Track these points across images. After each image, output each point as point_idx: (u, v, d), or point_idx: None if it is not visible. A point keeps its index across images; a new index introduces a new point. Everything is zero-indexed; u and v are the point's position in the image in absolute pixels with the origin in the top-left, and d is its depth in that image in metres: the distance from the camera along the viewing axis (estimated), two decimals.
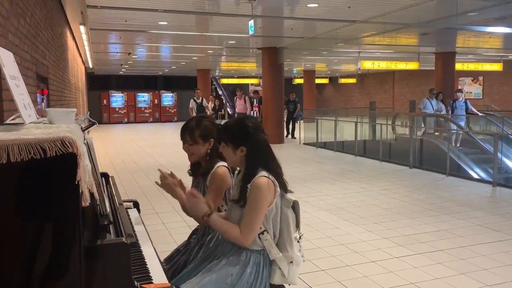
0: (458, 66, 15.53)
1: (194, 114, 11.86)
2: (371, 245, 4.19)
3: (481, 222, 4.90)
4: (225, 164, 2.19)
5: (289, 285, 2.03)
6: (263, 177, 1.86)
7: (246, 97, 14.01)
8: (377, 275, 3.48)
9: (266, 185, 1.85)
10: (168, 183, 2.19)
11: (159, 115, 25.65)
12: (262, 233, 1.89)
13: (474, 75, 21.65)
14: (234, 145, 1.94)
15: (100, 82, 24.83)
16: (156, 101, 25.69)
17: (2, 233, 1.30)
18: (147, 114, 25.50)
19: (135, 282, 1.43)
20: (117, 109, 24.85)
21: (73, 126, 1.75)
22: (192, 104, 12.72)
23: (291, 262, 1.94)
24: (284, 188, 1.94)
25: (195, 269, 2.02)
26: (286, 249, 1.94)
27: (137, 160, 10.01)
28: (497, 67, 16.37)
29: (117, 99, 24.93)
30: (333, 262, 3.77)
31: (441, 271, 3.55)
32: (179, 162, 9.48)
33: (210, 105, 15.55)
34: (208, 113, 14.65)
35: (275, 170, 1.94)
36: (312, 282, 3.35)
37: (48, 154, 1.26)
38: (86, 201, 1.34)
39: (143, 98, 25.47)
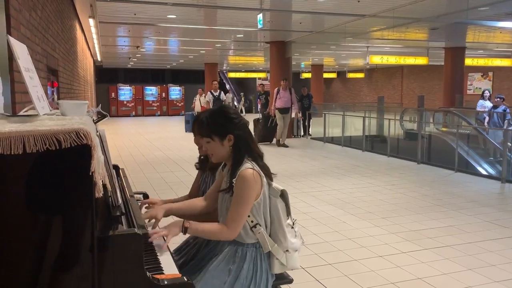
0: (468, 62, 15.40)
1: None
2: (378, 239, 4.20)
3: (489, 218, 4.88)
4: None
5: (292, 270, 2.05)
6: (248, 169, 1.86)
7: (292, 89, 11.21)
8: (384, 270, 3.49)
9: (252, 177, 1.85)
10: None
11: (167, 109, 25.75)
12: (255, 226, 1.90)
13: (483, 70, 21.46)
14: (221, 135, 1.92)
15: (108, 75, 24.95)
16: (163, 94, 25.78)
17: (17, 223, 1.33)
18: (155, 108, 25.60)
19: (147, 273, 1.45)
20: (125, 102, 24.96)
21: (85, 118, 1.77)
22: (209, 97, 12.55)
23: (287, 250, 1.95)
24: (268, 174, 1.95)
25: (202, 259, 2.04)
26: (279, 239, 1.95)
27: (145, 153, 10.06)
28: (507, 62, 16.20)
29: (125, 92, 25.04)
30: (340, 256, 3.78)
31: (449, 266, 3.55)
32: (187, 156, 9.52)
33: (206, 99, 14.54)
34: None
35: (258, 154, 1.96)
36: (319, 275, 3.36)
37: (63, 145, 1.28)
38: (99, 192, 1.36)
39: (151, 91, 25.57)
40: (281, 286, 2.21)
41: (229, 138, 1.93)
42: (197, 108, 14.54)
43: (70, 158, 1.32)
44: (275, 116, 11.04)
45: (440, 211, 5.15)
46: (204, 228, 1.94)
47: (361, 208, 5.31)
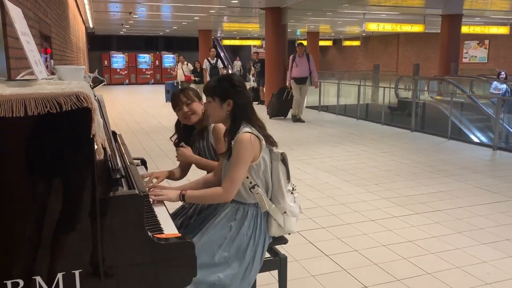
0: (464, 29, 15.27)
1: (208, 76, 11.55)
2: (371, 205, 4.30)
3: (479, 184, 4.99)
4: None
5: (289, 234, 2.13)
6: (246, 133, 1.93)
7: (311, 56, 9.90)
8: (376, 233, 3.60)
9: (249, 141, 1.92)
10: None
11: (161, 77, 25.48)
12: (253, 187, 1.97)
13: (480, 38, 21.29)
14: (221, 98, 2.00)
15: (100, 43, 24.52)
16: (157, 62, 25.45)
17: (19, 186, 1.36)
18: (148, 76, 25.34)
19: (148, 232, 1.50)
20: (118, 70, 24.68)
21: (83, 83, 1.78)
22: (205, 64, 12.29)
23: (285, 212, 2.03)
24: (270, 141, 2.02)
25: (203, 220, 2.11)
26: (278, 201, 2.03)
27: (140, 121, 10.06)
28: (504, 30, 16.10)
29: (118, 60, 24.70)
30: (334, 220, 3.88)
31: (438, 229, 3.67)
32: None
33: (185, 68, 14.18)
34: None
35: (258, 124, 2.01)
36: (313, 238, 3.47)
37: (63, 108, 1.30)
38: (100, 154, 1.40)
39: (144, 59, 25.24)
40: (276, 247, 2.28)
41: (228, 102, 1.99)
42: (180, 77, 14.35)
43: (70, 121, 1.34)
44: (291, 88, 9.82)
45: (432, 178, 5.25)
46: (201, 194, 2.02)
47: (354, 174, 5.40)
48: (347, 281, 2.82)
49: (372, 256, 3.17)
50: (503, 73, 10.01)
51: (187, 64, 14.47)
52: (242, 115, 2.00)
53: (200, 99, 2.45)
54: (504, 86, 9.48)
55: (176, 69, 15.09)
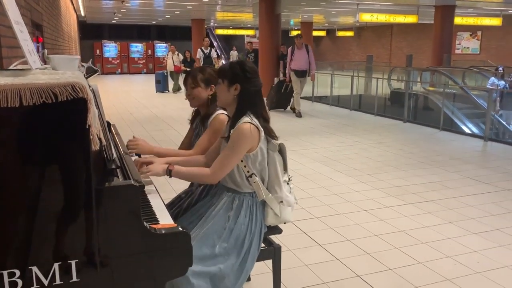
0: (457, 20, 15.32)
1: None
2: (363, 195, 4.34)
3: (470, 174, 5.05)
4: (225, 112, 2.24)
5: (284, 223, 2.15)
6: (246, 123, 1.93)
7: (310, 47, 9.52)
8: (368, 223, 3.64)
9: (249, 131, 1.92)
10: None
11: (153, 66, 25.25)
12: (251, 176, 1.99)
13: (472, 29, 21.37)
14: (229, 81, 2.00)
15: (92, 31, 24.26)
16: (149, 51, 25.22)
17: (15, 177, 1.36)
18: (141, 65, 25.11)
19: (145, 223, 1.51)
20: (110, 59, 24.42)
21: (77, 73, 1.77)
22: (199, 54, 12.18)
23: (281, 201, 2.05)
24: (269, 134, 2.02)
25: (199, 210, 2.12)
26: (275, 190, 2.05)
27: (133, 111, 10.00)
28: (496, 21, 16.17)
29: (110, 49, 24.43)
30: (327, 210, 3.91)
31: (430, 219, 3.72)
32: (175, 114, 9.50)
33: (175, 57, 13.82)
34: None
35: (262, 116, 2.01)
36: (306, 228, 3.50)
37: (59, 98, 1.29)
38: (96, 145, 1.40)
39: (137, 48, 24.99)
40: (270, 236, 2.31)
41: (236, 87, 1.99)
42: (169, 67, 14.02)
43: (66, 112, 1.34)
44: (290, 81, 9.44)
45: (423, 168, 5.30)
46: (188, 171, 2.02)
47: (347, 165, 5.43)
48: (340, 270, 2.86)
49: (364, 246, 3.20)
50: (501, 68, 9.64)
51: (177, 54, 14.15)
52: (249, 103, 1.99)
53: (210, 84, 2.34)
54: (502, 82, 9.18)
55: (165, 58, 14.68)
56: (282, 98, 10.09)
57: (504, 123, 8.52)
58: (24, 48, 1.58)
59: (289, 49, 9.41)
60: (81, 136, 1.36)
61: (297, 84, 9.34)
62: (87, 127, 1.34)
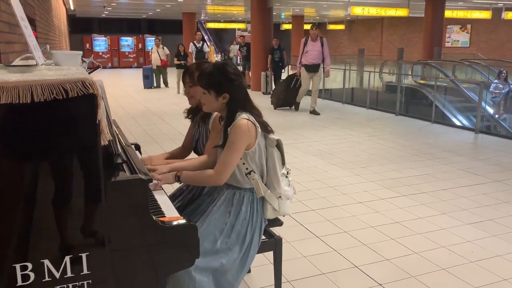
0: (447, 14, 15.42)
1: (193, 60, 11.28)
2: (358, 187, 4.40)
3: (462, 166, 5.13)
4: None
5: (283, 216, 2.21)
6: (243, 119, 1.95)
7: (325, 40, 8.69)
8: (364, 215, 3.70)
9: (246, 127, 1.94)
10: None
11: (144, 60, 25.09)
12: (249, 173, 2.02)
13: (462, 23, 21.54)
14: (216, 92, 1.98)
15: (82, 25, 24.00)
16: (140, 45, 25.06)
17: (27, 171, 1.37)
18: (131, 59, 24.95)
19: (153, 216, 1.54)
20: (100, 54, 24.19)
21: (81, 69, 1.79)
22: (191, 48, 11.94)
23: (280, 197, 2.09)
24: (266, 129, 2.05)
25: (200, 205, 2.15)
26: (273, 187, 2.08)
27: (125, 106, 9.96)
28: (486, 15, 16.31)
29: (100, 43, 24.23)
30: (323, 203, 3.97)
31: (424, 211, 3.79)
32: (168, 108, 9.48)
33: (161, 51, 13.11)
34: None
35: (253, 112, 2.03)
36: (303, 220, 3.55)
37: (70, 94, 1.31)
38: (105, 140, 1.42)
39: (127, 42, 24.81)
40: (270, 229, 2.34)
41: (224, 96, 1.99)
42: (155, 61, 13.28)
43: (76, 108, 1.36)
44: (299, 75, 8.86)
45: (416, 160, 5.38)
46: (194, 175, 2.06)
47: (341, 158, 5.49)
48: (338, 261, 2.91)
49: (361, 237, 3.26)
50: (504, 71, 9.29)
51: (163, 48, 13.30)
52: (239, 106, 2.01)
53: None
54: (506, 87, 8.89)
55: (150, 53, 13.67)
56: (291, 95, 9.23)
57: (507, 127, 8.50)
58: (30, 44, 1.59)
59: (302, 41, 8.66)
60: (90, 131, 1.38)
61: (306, 80, 8.78)
62: (97, 122, 1.36)
